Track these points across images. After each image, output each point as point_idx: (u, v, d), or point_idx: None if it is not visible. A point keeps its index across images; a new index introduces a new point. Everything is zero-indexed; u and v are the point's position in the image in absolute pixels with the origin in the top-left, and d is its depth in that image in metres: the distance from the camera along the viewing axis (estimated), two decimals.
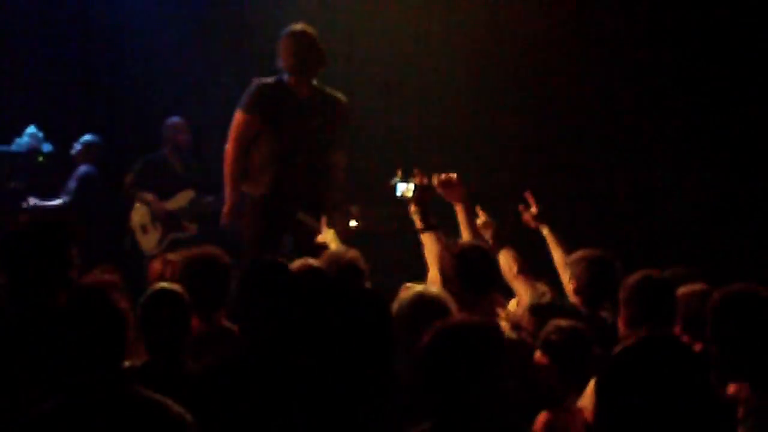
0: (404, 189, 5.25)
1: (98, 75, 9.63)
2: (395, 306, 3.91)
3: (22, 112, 9.34)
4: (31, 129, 9.16)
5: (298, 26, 6.49)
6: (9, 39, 9.53)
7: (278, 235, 6.52)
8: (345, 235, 5.84)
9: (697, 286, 4.40)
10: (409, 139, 8.70)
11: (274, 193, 6.47)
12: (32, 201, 8.73)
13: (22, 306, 3.88)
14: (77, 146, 8.96)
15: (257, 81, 6.52)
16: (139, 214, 8.38)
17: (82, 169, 8.84)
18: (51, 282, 3.91)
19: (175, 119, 8.52)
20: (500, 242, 5.18)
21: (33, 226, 4.05)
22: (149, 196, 8.34)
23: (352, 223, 8.15)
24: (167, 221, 8.32)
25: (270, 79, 6.51)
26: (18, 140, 9.13)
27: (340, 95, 6.63)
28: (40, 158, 9.10)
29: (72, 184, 8.83)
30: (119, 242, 8.50)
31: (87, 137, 8.98)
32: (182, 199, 8.34)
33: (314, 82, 6.54)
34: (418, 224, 5.18)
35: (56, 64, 9.60)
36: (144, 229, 8.36)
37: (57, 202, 8.79)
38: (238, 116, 6.57)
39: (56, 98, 9.55)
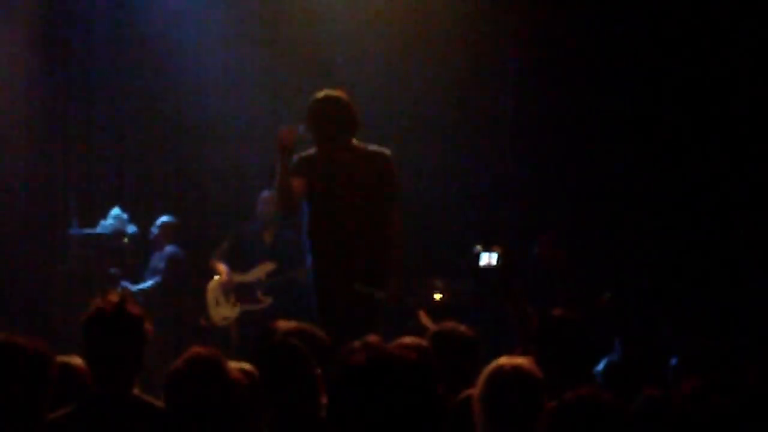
0: (488, 258, 5.16)
1: (180, 159, 9.80)
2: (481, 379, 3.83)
3: (106, 195, 9.51)
4: (116, 211, 9.29)
5: (321, 93, 6.20)
6: (89, 124, 9.74)
7: (339, 310, 6.07)
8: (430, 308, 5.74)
9: None
10: (487, 209, 8.72)
11: (322, 267, 6.20)
12: (124, 285, 8.82)
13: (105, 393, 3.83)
14: (154, 229, 9.06)
15: (296, 156, 6.20)
16: (212, 287, 8.45)
17: (169, 249, 8.92)
18: (130, 366, 3.86)
19: (265, 193, 8.58)
20: None
21: (111, 310, 3.96)
22: (222, 268, 8.41)
23: (437, 296, 8.13)
24: (239, 294, 8.37)
25: (309, 151, 6.23)
26: (103, 222, 9.26)
27: (382, 150, 6.25)
28: (125, 240, 9.20)
29: (160, 264, 8.91)
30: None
31: (163, 218, 9.08)
32: (260, 271, 8.39)
33: (353, 142, 6.19)
34: (502, 294, 5.08)
35: (139, 146, 9.79)
36: (216, 301, 8.42)
37: (148, 284, 8.88)
38: None
39: (140, 179, 9.72)
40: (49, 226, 9.48)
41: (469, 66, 8.89)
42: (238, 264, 8.43)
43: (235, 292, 8.36)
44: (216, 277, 8.47)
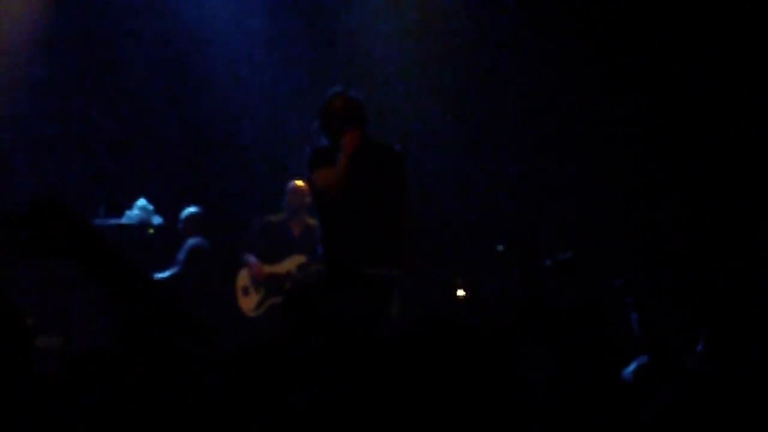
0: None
1: (207, 147, 9.80)
2: None
3: (132, 185, 9.52)
4: (141, 202, 9.29)
5: (340, 90, 6.35)
6: (118, 113, 9.76)
7: (354, 295, 6.17)
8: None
9: None
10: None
11: (341, 253, 6.27)
12: None
13: None
14: (180, 221, 9.08)
15: (309, 148, 6.37)
16: (242, 276, 8.46)
17: (191, 241, 8.97)
18: None
19: (293, 183, 8.55)
20: None
21: None
22: (250, 259, 8.39)
23: (460, 293, 8.09)
24: (269, 285, 8.34)
25: (322, 145, 6.34)
26: (128, 213, 9.27)
27: (393, 145, 6.43)
28: (150, 231, 9.20)
29: (181, 255, 8.95)
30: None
31: (189, 210, 9.12)
32: (291, 263, 8.36)
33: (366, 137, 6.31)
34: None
35: (166, 136, 9.80)
36: (245, 291, 8.42)
37: (167, 274, 8.88)
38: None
39: (166, 170, 9.72)
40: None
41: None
42: (267, 255, 8.41)
43: (266, 283, 8.34)
44: (245, 268, 8.46)
